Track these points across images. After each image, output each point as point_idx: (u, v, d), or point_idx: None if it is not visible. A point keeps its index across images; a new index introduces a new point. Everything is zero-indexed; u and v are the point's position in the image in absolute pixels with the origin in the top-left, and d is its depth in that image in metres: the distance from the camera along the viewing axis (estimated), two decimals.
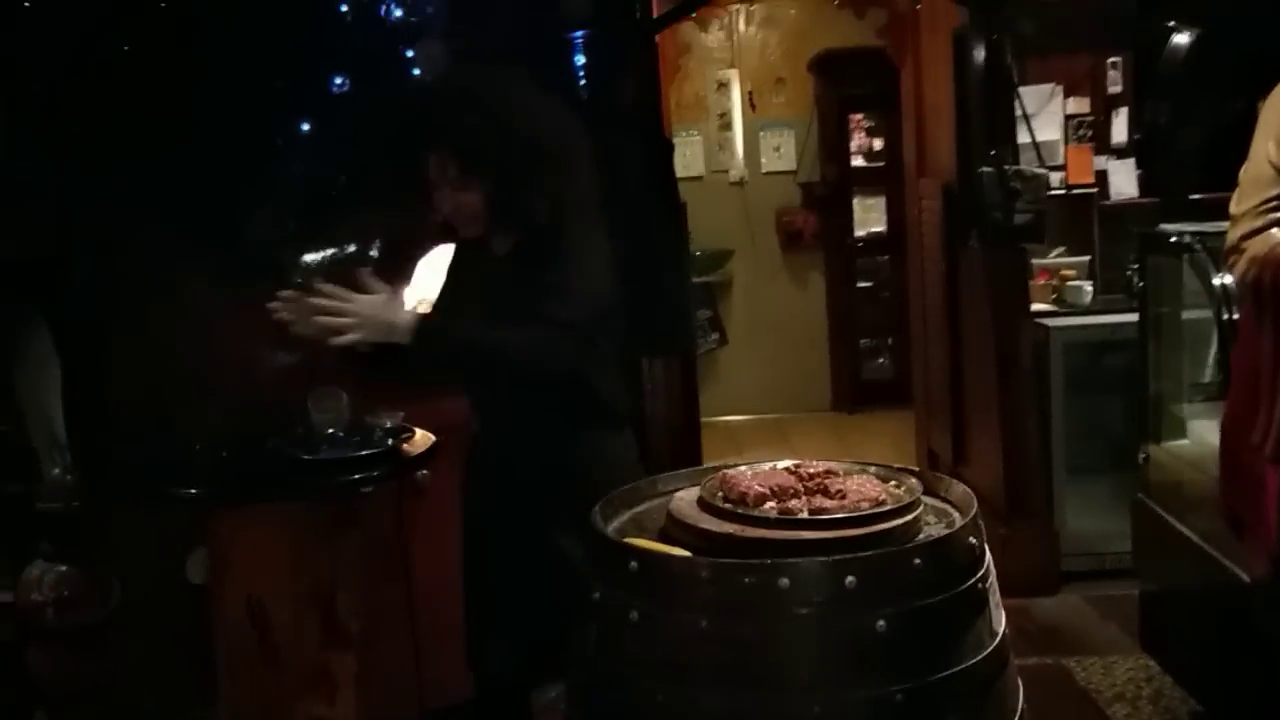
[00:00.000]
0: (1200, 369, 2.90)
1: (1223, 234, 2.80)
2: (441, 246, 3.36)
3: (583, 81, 3.88)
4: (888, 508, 1.66)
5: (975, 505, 1.68)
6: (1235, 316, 2.54)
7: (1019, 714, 1.63)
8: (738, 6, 6.74)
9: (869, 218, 7.32)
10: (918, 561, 1.53)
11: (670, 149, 4.00)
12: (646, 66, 4.04)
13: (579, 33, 3.95)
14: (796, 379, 7.21)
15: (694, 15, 5.25)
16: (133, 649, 2.74)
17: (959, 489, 1.78)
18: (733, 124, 7.09)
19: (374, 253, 2.86)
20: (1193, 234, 2.74)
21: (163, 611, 2.76)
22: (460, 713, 2.99)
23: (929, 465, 4.82)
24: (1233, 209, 2.02)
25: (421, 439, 2.19)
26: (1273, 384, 1.95)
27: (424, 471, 2.42)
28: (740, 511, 1.70)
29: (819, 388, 7.31)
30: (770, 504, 1.69)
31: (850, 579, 1.49)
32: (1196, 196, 4.12)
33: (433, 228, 2.37)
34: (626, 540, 1.68)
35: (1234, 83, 4.35)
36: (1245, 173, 2.01)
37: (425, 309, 3.48)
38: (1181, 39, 4.20)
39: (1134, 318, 3.32)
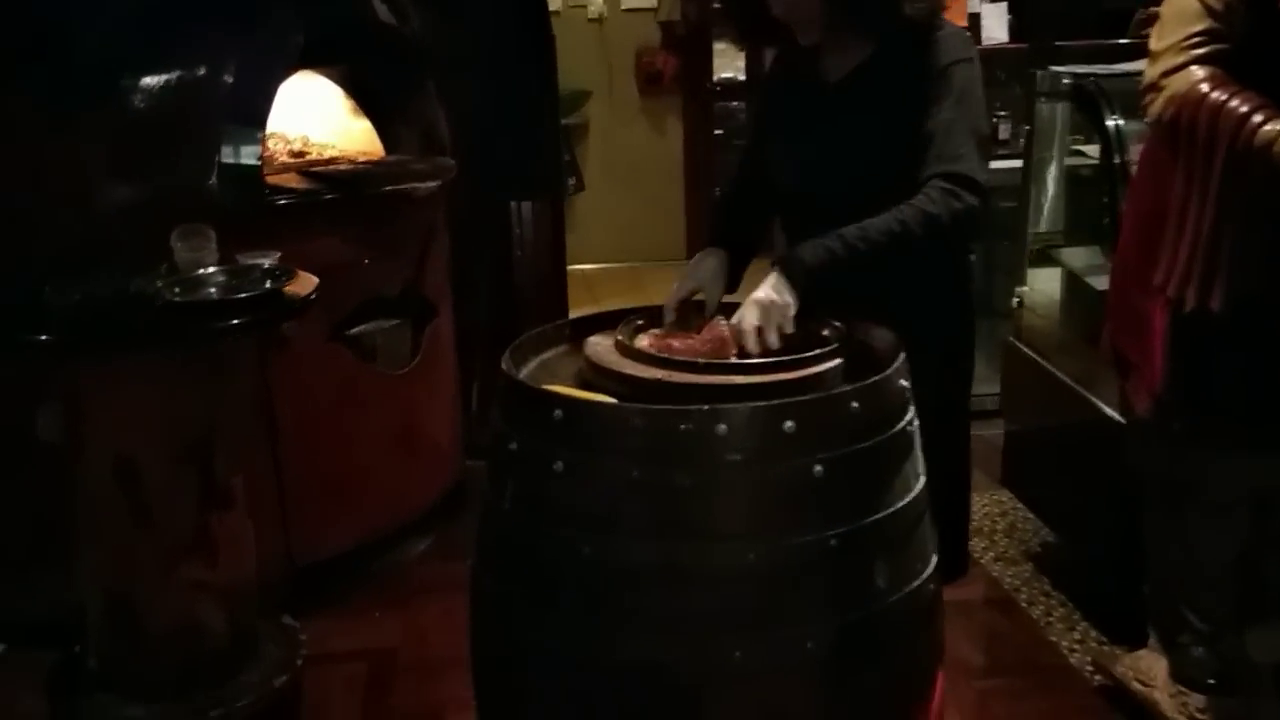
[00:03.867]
0: (1080, 213, 2.94)
1: (1106, 77, 2.81)
2: (303, 72, 3.08)
3: None
4: (817, 350, 1.61)
5: (901, 348, 1.64)
6: (1123, 159, 2.56)
7: (935, 557, 1.63)
8: None
9: (729, 63, 7.16)
10: (855, 405, 1.48)
11: None
12: None
13: None
14: (653, 227, 7.10)
15: None
16: None
17: (882, 332, 1.73)
18: None
19: (228, 77, 2.57)
20: (1084, 75, 2.73)
21: (7, 472, 2.53)
22: (328, 569, 2.91)
23: None
24: (1153, 45, 1.98)
25: (303, 281, 2.00)
26: (1180, 224, 1.95)
27: (290, 321, 2.24)
28: (666, 356, 1.61)
29: (674, 236, 7.23)
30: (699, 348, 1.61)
31: (789, 424, 1.43)
32: (1062, 43, 4.15)
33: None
34: (548, 388, 1.57)
35: None
36: (1167, 7, 1.97)
37: (290, 146, 3.24)
38: None
39: (1006, 164, 3.33)
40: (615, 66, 6.86)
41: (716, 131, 7.12)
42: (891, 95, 1.82)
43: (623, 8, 6.87)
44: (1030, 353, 3.07)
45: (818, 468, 1.44)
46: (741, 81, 7.12)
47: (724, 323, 1.71)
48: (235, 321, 1.86)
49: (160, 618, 2.07)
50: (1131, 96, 2.66)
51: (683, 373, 1.57)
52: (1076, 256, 2.91)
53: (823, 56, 1.92)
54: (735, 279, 1.95)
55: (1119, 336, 2.27)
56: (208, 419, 1.98)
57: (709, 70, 7.01)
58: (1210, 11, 1.91)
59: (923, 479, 1.60)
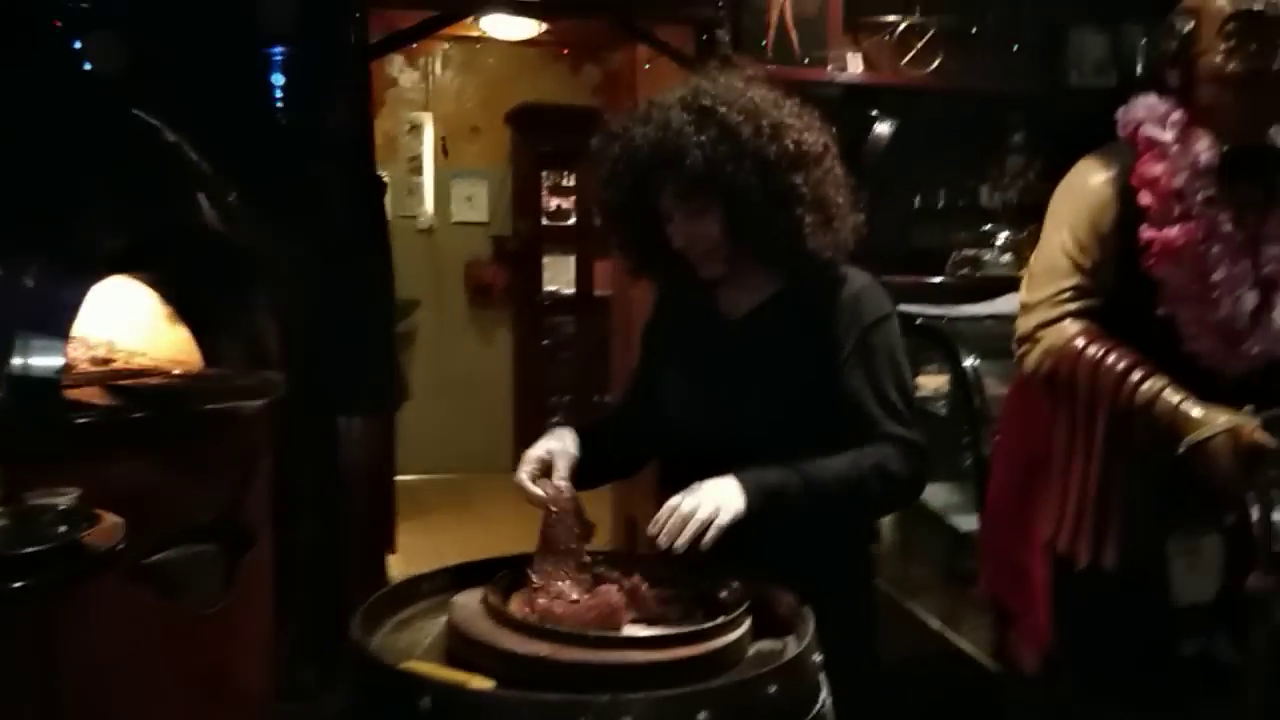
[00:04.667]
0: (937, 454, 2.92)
1: (956, 319, 2.86)
2: (110, 279, 2.81)
3: (285, 103, 3.44)
4: (720, 619, 1.43)
5: (807, 614, 1.49)
6: (982, 401, 2.56)
7: None
8: (436, 48, 6.45)
9: (559, 276, 7.22)
10: (773, 689, 1.30)
11: (383, 186, 3.63)
12: (359, 94, 3.66)
13: (279, 48, 3.51)
14: (480, 437, 6.92)
15: (414, 45, 4.90)
16: None
17: (778, 591, 1.58)
18: (423, 169, 6.75)
19: (29, 281, 2.29)
20: (935, 316, 2.77)
21: None
22: None
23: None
24: (1024, 297, 1.99)
25: (110, 526, 1.67)
26: (1065, 478, 1.92)
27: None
28: (550, 628, 1.40)
29: (502, 447, 7.04)
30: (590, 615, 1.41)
31: (703, 715, 1.23)
32: (887, 278, 4.29)
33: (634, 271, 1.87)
34: (409, 668, 1.33)
35: (927, 174, 4.62)
36: (1037, 261, 1.99)
37: (92, 353, 2.92)
38: (883, 129, 4.36)
39: None
40: (444, 277, 6.80)
41: (544, 342, 7.10)
42: (801, 336, 1.73)
43: (453, 220, 6.87)
44: (893, 593, 2.98)
45: None
46: (570, 295, 7.17)
47: (612, 589, 1.52)
48: (18, 585, 1.48)
49: None
50: (985, 340, 2.71)
51: (570, 648, 1.36)
52: (935, 495, 2.87)
53: (720, 292, 1.82)
54: (582, 477, 1.73)
55: (998, 586, 2.20)
56: (13, 697, 1.60)
57: (539, 283, 7.03)
58: (1078, 268, 1.94)
59: None
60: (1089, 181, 1.95)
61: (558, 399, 7.17)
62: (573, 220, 7.20)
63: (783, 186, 1.67)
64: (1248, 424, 1.72)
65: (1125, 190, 1.91)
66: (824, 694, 1.40)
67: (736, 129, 1.65)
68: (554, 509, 1.59)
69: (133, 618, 2.44)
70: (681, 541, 1.52)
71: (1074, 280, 1.92)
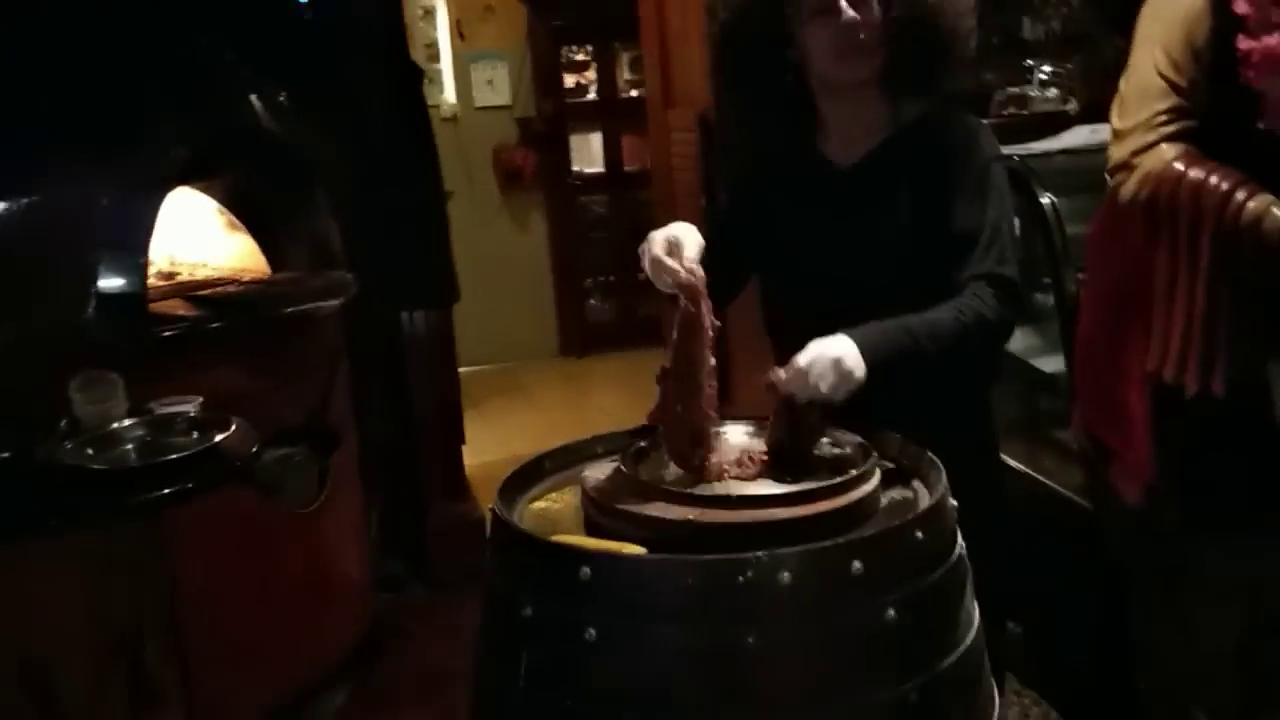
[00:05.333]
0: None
1: (1030, 156, 2.80)
2: (181, 190, 2.78)
3: None
4: (854, 473, 1.44)
5: (936, 462, 1.50)
6: (1064, 239, 2.52)
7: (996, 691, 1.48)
8: None
9: (586, 155, 7.13)
10: (919, 535, 1.32)
11: (420, 74, 3.56)
12: None
13: None
14: (522, 325, 6.93)
15: None
16: None
17: (904, 444, 1.59)
18: (440, 55, 6.61)
19: (103, 199, 2.28)
20: (1008, 155, 2.70)
21: None
22: None
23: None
24: (1116, 124, 1.93)
25: (242, 431, 1.70)
26: (1168, 306, 1.89)
27: None
28: (693, 492, 1.42)
29: (545, 333, 7.07)
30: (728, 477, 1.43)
31: (856, 564, 1.25)
32: None
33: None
34: (563, 540, 1.35)
35: None
36: (1128, 85, 1.92)
37: (156, 268, 2.92)
38: None
39: None
40: (473, 165, 6.70)
41: (583, 224, 7.05)
42: (917, 184, 1.70)
43: (476, 106, 6.75)
44: None
45: (890, 611, 1.27)
46: (600, 173, 7.08)
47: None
48: (167, 490, 1.52)
49: None
50: (1057, 175, 2.66)
51: (715, 509, 1.38)
52: (1014, 338, 2.84)
53: (829, 139, 1.79)
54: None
55: (1095, 424, 2.19)
56: (136, 608, 1.66)
57: (568, 164, 6.95)
58: (1174, 88, 1.88)
59: (978, 609, 1.45)
60: None
61: (596, 280, 7.16)
62: (594, 95, 7.07)
63: None
64: None
65: (1218, 1, 1.84)
66: (960, 540, 1.42)
67: None
68: (686, 299, 1.48)
69: (238, 520, 2.50)
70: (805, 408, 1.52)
71: (1169, 101, 1.85)
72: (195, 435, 1.62)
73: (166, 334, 2.33)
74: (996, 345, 1.72)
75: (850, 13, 1.67)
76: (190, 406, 1.70)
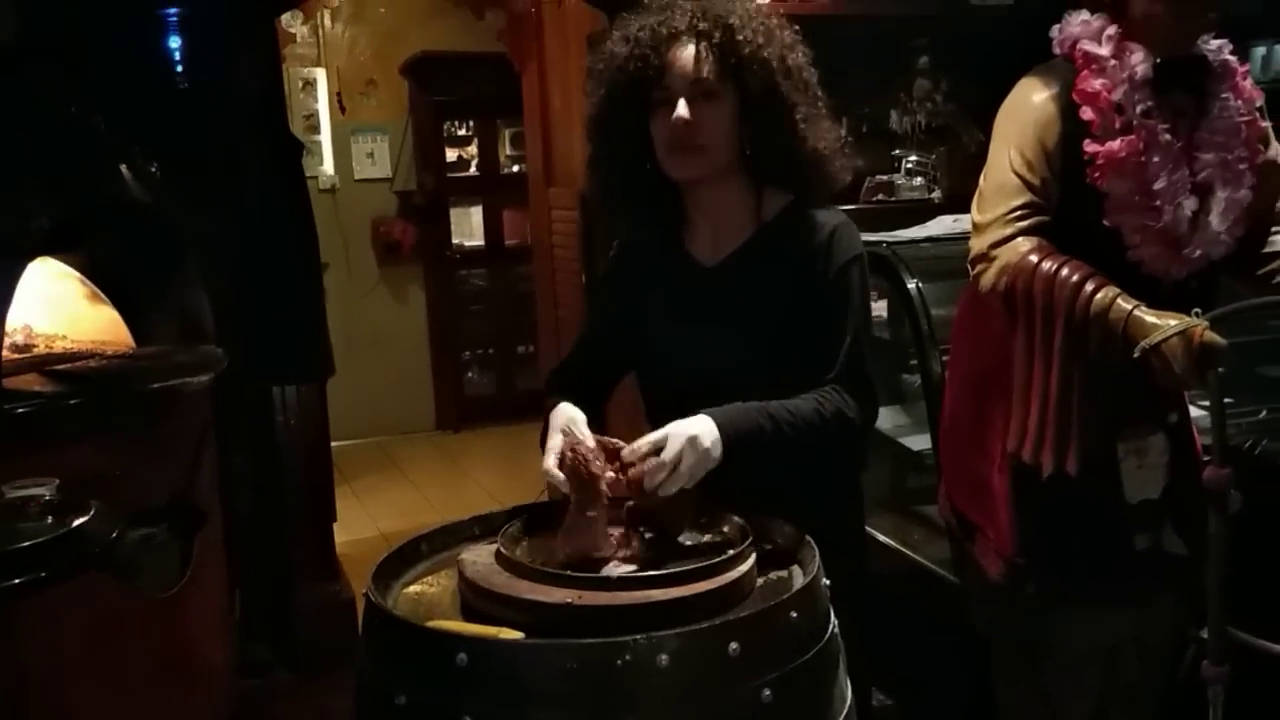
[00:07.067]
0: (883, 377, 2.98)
1: (897, 244, 2.92)
2: (42, 259, 2.68)
3: (191, 66, 3.30)
4: (730, 554, 1.46)
5: (808, 541, 1.53)
6: (929, 325, 2.62)
7: None
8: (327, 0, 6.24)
9: (467, 229, 7.13)
10: (794, 615, 1.34)
11: (300, 147, 3.53)
12: (265, 52, 3.54)
13: (176, 9, 3.36)
14: (398, 398, 6.84)
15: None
16: None
17: (776, 522, 1.62)
18: (320, 127, 6.57)
19: None
20: (875, 241, 2.81)
21: None
22: None
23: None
24: (975, 217, 2.04)
25: (100, 515, 1.61)
26: (1026, 391, 1.98)
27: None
28: (571, 574, 1.42)
29: (421, 407, 6.99)
30: (614, 559, 1.43)
31: (734, 645, 1.27)
32: None
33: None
34: (438, 626, 1.33)
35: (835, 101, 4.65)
36: (987, 180, 2.04)
37: (10, 339, 2.80)
38: None
39: None
40: (351, 237, 6.65)
41: (462, 298, 7.02)
42: (781, 284, 1.75)
43: (356, 178, 6.71)
44: None
45: (766, 691, 1.28)
46: (481, 247, 7.09)
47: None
48: (18, 580, 1.40)
49: None
50: (923, 261, 2.78)
51: (594, 591, 1.38)
52: (881, 417, 2.93)
53: (696, 236, 1.83)
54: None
55: (959, 500, 2.27)
56: None
57: (448, 238, 6.94)
58: (1028, 185, 1.99)
59: (849, 685, 1.48)
60: (1032, 99, 2.00)
61: (474, 353, 7.13)
62: (476, 170, 7.10)
63: (801, 89, 1.72)
64: (1198, 325, 1.80)
65: (1068, 106, 1.96)
66: (833, 619, 1.45)
67: (757, 19, 1.70)
68: (571, 455, 1.56)
69: (92, 606, 2.38)
70: (665, 491, 1.54)
71: (1024, 198, 1.97)
72: (50, 520, 1.54)
73: (20, 410, 2.23)
74: (851, 441, 1.77)
75: (682, 111, 1.68)
76: (46, 489, 1.63)
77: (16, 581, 1.41)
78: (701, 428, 1.57)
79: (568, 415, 1.68)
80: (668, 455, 1.53)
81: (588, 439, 1.58)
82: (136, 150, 2.77)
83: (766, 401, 1.65)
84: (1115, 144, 1.92)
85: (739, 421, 1.61)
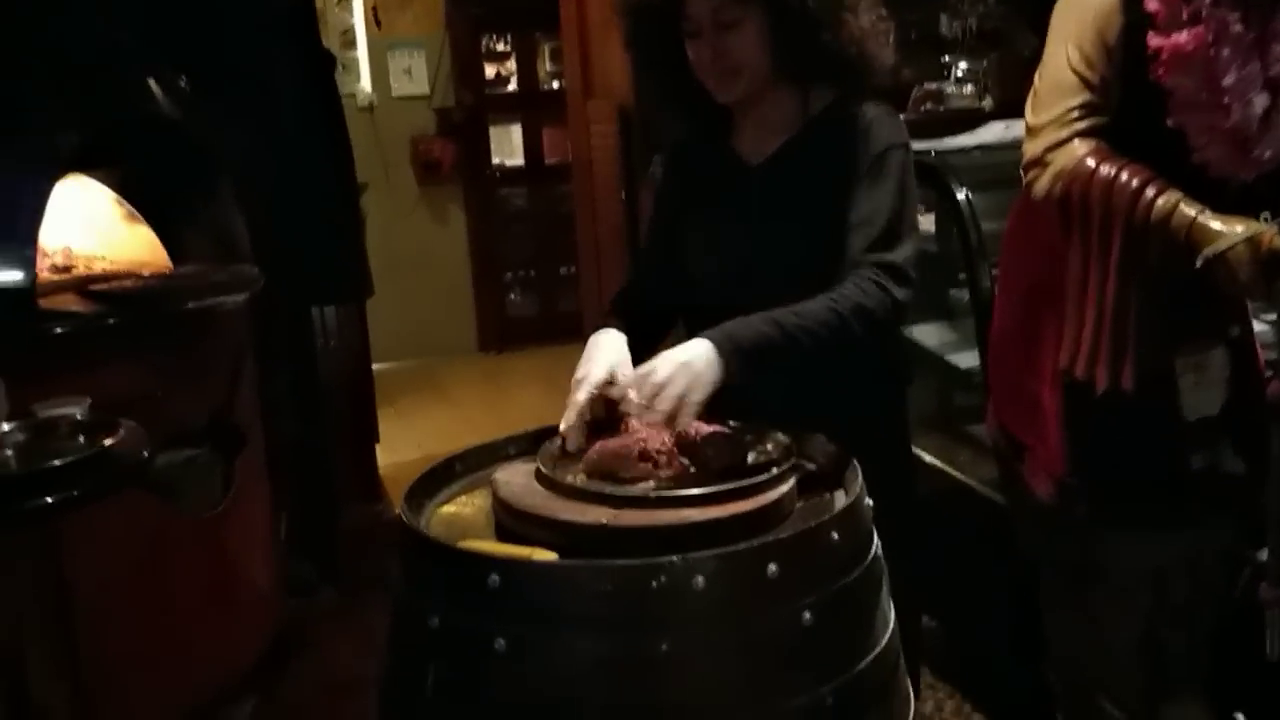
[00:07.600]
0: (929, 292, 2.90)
1: (945, 152, 2.82)
2: (78, 179, 2.65)
3: None
4: (772, 473, 1.42)
5: (850, 459, 1.48)
6: (979, 236, 2.54)
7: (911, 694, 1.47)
8: None
9: (507, 147, 7.05)
10: (835, 536, 1.29)
11: (332, 61, 3.46)
12: None
13: None
14: (439, 320, 6.83)
15: None
16: None
17: (818, 439, 1.57)
18: (356, 42, 6.47)
19: None
20: (923, 151, 2.71)
21: None
22: None
23: None
24: (1030, 120, 1.94)
25: (131, 435, 1.61)
26: (1080, 302, 1.90)
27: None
28: (607, 492, 1.38)
29: (463, 328, 6.98)
30: (646, 478, 1.39)
31: (772, 567, 1.23)
32: None
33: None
34: (470, 546, 1.31)
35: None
36: (1042, 80, 1.93)
37: (49, 260, 2.79)
38: None
39: None
40: (390, 156, 6.58)
41: (503, 216, 6.97)
42: (822, 179, 1.69)
43: (393, 95, 6.63)
44: None
45: (806, 614, 1.24)
46: (520, 166, 7.01)
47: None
48: (50, 499, 1.42)
49: None
50: (973, 171, 2.67)
51: (630, 511, 1.34)
52: (927, 334, 2.87)
53: (740, 137, 1.77)
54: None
55: (1008, 419, 2.20)
56: (15, 623, 1.56)
57: (487, 156, 6.86)
58: (1087, 84, 1.89)
59: (893, 608, 1.43)
60: None
61: (516, 274, 7.09)
62: (514, 86, 6.99)
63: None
64: (1267, 231, 1.71)
65: None
66: (876, 540, 1.40)
67: None
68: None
69: (137, 526, 2.40)
70: (680, 423, 1.47)
71: (1082, 98, 1.86)
72: (81, 440, 1.53)
73: (58, 331, 2.23)
74: (880, 332, 1.66)
75: (708, 45, 1.67)
76: (77, 409, 1.61)
77: (49, 500, 1.40)
78: (692, 350, 1.49)
79: (609, 360, 1.59)
80: (659, 376, 1.47)
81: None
82: (167, 65, 2.71)
83: (773, 310, 1.57)
84: (1182, 36, 1.81)
85: (737, 333, 1.52)
